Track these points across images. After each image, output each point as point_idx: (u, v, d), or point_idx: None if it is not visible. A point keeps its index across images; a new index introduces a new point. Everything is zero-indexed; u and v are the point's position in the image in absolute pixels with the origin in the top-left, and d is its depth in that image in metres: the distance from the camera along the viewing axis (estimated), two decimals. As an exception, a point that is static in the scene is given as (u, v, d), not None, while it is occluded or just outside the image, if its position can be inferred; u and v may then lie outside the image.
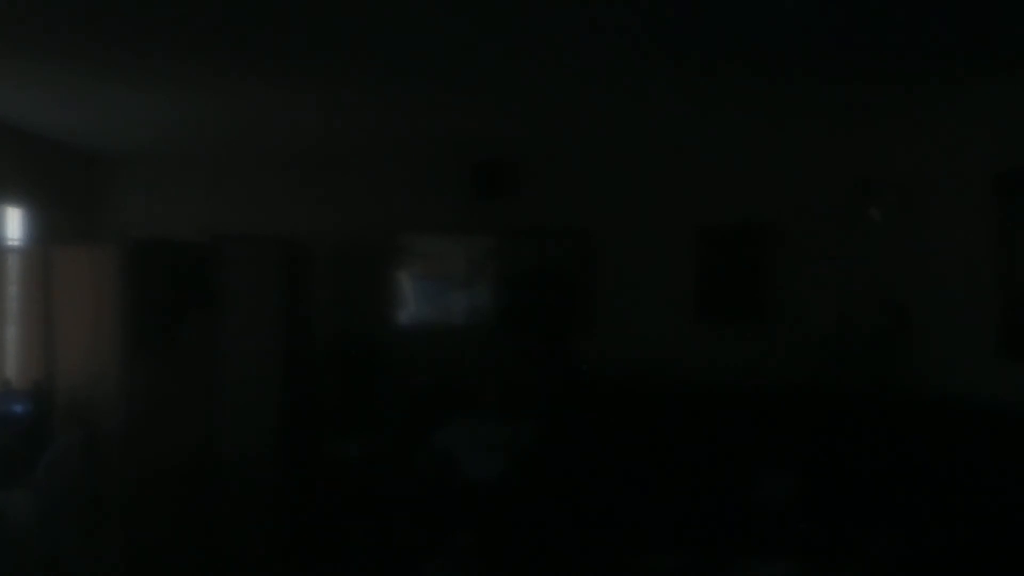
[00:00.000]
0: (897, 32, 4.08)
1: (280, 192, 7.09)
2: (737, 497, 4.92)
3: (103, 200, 7.11)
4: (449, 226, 7.03)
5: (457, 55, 4.50)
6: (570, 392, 6.22)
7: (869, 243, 6.08)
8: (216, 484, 5.74)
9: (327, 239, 6.78)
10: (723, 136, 6.38)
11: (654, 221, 6.75)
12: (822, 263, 6.34)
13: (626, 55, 4.48)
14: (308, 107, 5.62)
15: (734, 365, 6.33)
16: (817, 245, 6.38)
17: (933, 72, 4.79)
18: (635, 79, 4.95)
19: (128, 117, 5.89)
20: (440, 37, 4.20)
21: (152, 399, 5.19)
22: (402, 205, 7.03)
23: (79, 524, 4.75)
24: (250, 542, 5.74)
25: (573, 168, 6.92)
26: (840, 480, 4.96)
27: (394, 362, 6.80)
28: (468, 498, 5.15)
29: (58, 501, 4.64)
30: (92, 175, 7.11)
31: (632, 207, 6.80)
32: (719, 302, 6.65)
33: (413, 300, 7.17)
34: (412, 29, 4.07)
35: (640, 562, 4.45)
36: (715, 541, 4.48)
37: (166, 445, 5.29)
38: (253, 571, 5.60)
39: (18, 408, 5.17)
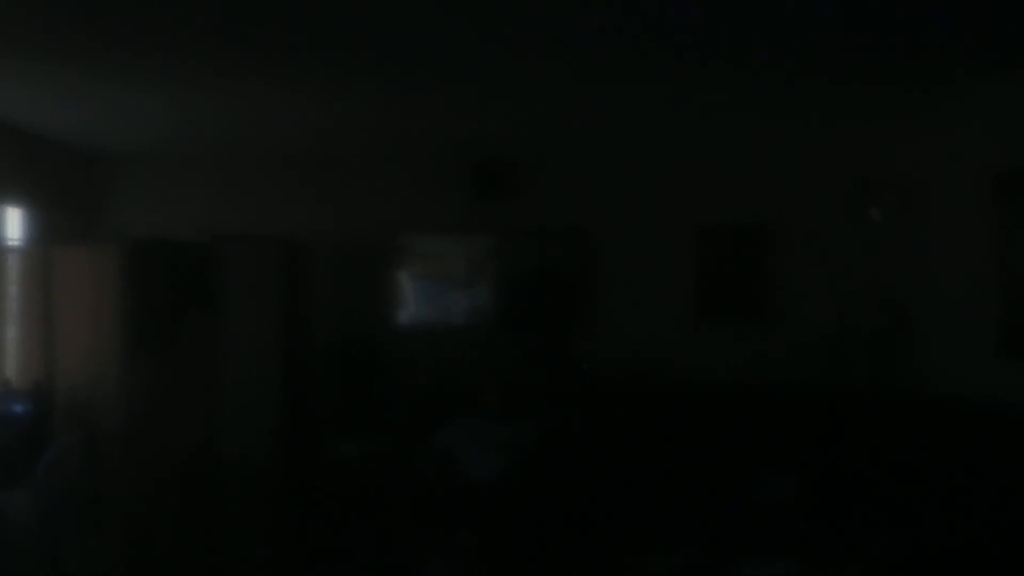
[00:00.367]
0: (897, 32, 4.08)
1: (280, 192, 7.08)
2: (737, 497, 4.91)
3: (103, 200, 7.11)
4: (449, 226, 7.03)
5: (457, 55, 4.50)
6: (570, 392, 6.22)
7: (869, 243, 6.09)
8: (216, 484, 5.73)
9: (327, 239, 6.78)
10: (723, 136, 6.38)
11: (654, 221, 6.75)
12: (822, 263, 6.35)
13: (626, 55, 4.48)
14: (308, 107, 5.62)
15: (734, 365, 6.34)
16: (817, 245, 6.39)
17: (933, 72, 4.79)
18: (635, 79, 4.95)
19: (128, 117, 5.89)
20: (440, 37, 4.20)
21: (152, 399, 5.19)
22: (402, 205, 7.02)
23: (79, 524, 4.74)
24: (250, 542, 5.74)
25: (573, 168, 6.92)
26: (840, 480, 4.96)
27: (394, 362, 6.80)
28: (468, 498, 5.14)
29: (58, 501, 4.64)
30: (92, 175, 7.11)
31: (632, 207, 6.80)
32: (719, 302, 6.66)
33: (413, 300, 7.17)
34: (412, 29, 4.07)
35: (640, 562, 4.44)
36: (715, 541, 4.47)
37: (166, 445, 5.29)
38: (253, 571, 5.59)
39: (18, 408, 5.18)
